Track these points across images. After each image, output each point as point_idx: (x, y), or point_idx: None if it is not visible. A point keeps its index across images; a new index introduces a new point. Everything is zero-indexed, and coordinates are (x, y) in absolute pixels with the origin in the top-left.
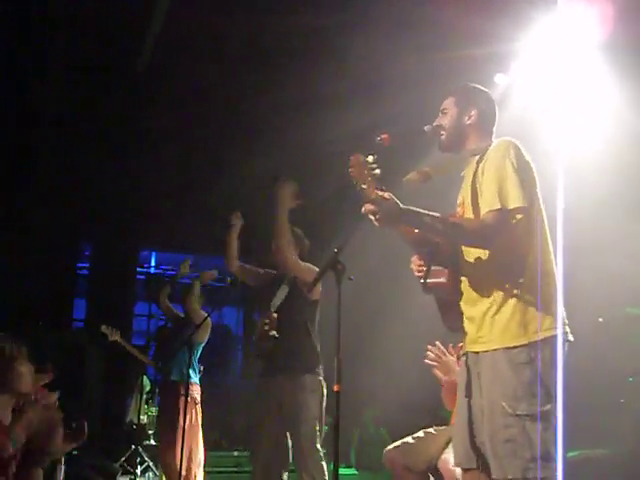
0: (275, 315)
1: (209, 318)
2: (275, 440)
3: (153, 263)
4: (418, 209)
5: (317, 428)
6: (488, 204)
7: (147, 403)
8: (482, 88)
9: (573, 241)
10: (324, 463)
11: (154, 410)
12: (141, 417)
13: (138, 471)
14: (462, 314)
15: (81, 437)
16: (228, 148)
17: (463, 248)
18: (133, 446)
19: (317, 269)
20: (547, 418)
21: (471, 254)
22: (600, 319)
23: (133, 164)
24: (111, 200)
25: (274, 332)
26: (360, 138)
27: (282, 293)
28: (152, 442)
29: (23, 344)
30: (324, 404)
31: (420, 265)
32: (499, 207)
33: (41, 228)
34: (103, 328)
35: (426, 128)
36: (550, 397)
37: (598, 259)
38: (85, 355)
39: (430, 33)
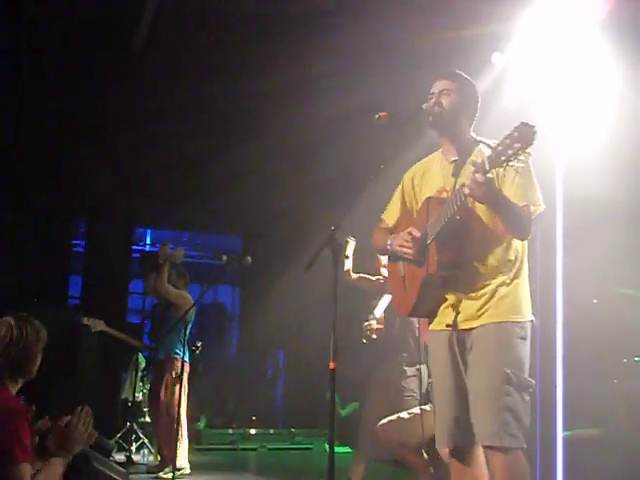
0: (374, 323)
1: (187, 295)
2: (379, 417)
3: (148, 240)
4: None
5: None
6: (529, 200)
7: (142, 380)
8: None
9: (567, 222)
10: None
11: (149, 387)
12: (136, 394)
13: (133, 448)
14: (440, 298)
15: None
16: (224, 126)
17: (475, 228)
18: (128, 423)
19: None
20: (531, 392)
21: (480, 235)
22: (595, 300)
23: (129, 140)
24: (107, 177)
25: (374, 335)
26: (356, 118)
27: (386, 300)
28: (147, 419)
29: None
30: (423, 389)
31: (411, 240)
32: (539, 206)
33: (37, 205)
34: (85, 320)
35: (424, 106)
36: (534, 374)
37: (590, 241)
38: (80, 332)
39: (427, 13)
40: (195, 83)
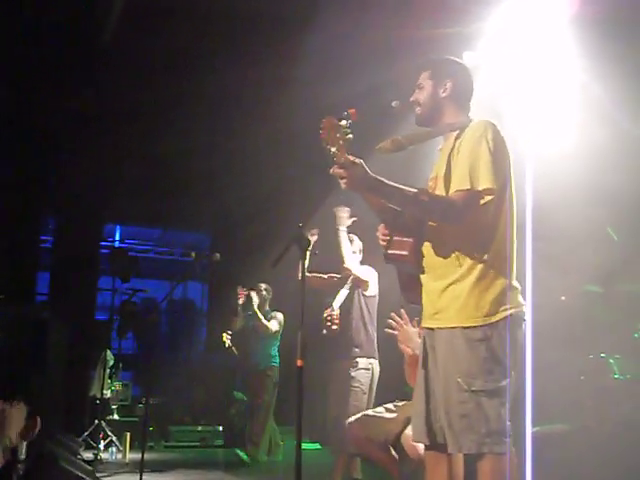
0: (337, 312)
1: (276, 316)
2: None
3: (117, 237)
4: (386, 180)
5: (365, 400)
6: (458, 183)
7: (110, 378)
8: (456, 59)
9: (536, 218)
10: None
11: (117, 385)
12: (104, 392)
13: (101, 446)
14: (421, 288)
15: (33, 431)
16: (197, 122)
17: (429, 223)
18: (96, 421)
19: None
20: (503, 394)
21: (436, 230)
22: (563, 297)
23: (98, 135)
24: (75, 173)
25: (336, 326)
26: (328, 115)
27: (342, 295)
28: (115, 417)
29: None
30: (374, 382)
31: (385, 234)
32: (468, 187)
33: (4, 201)
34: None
35: (394, 103)
36: (506, 374)
37: (558, 239)
38: (48, 329)
39: (399, 12)
40: (167, 81)
